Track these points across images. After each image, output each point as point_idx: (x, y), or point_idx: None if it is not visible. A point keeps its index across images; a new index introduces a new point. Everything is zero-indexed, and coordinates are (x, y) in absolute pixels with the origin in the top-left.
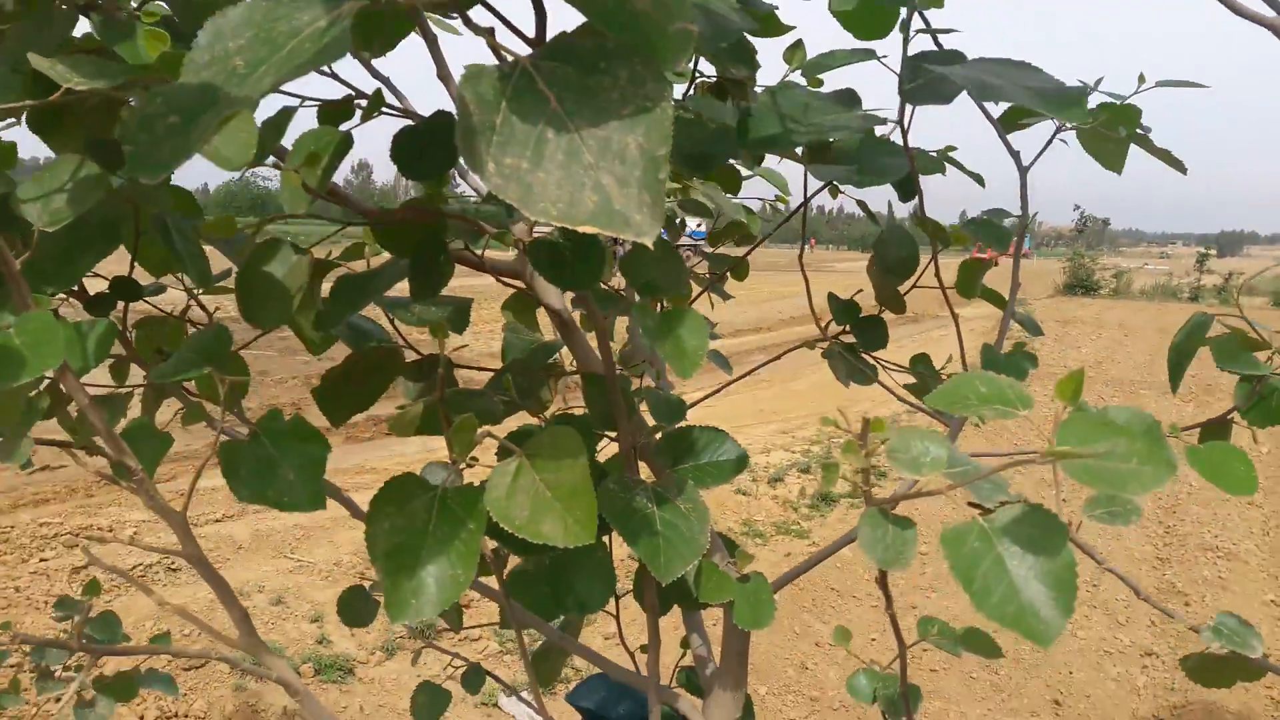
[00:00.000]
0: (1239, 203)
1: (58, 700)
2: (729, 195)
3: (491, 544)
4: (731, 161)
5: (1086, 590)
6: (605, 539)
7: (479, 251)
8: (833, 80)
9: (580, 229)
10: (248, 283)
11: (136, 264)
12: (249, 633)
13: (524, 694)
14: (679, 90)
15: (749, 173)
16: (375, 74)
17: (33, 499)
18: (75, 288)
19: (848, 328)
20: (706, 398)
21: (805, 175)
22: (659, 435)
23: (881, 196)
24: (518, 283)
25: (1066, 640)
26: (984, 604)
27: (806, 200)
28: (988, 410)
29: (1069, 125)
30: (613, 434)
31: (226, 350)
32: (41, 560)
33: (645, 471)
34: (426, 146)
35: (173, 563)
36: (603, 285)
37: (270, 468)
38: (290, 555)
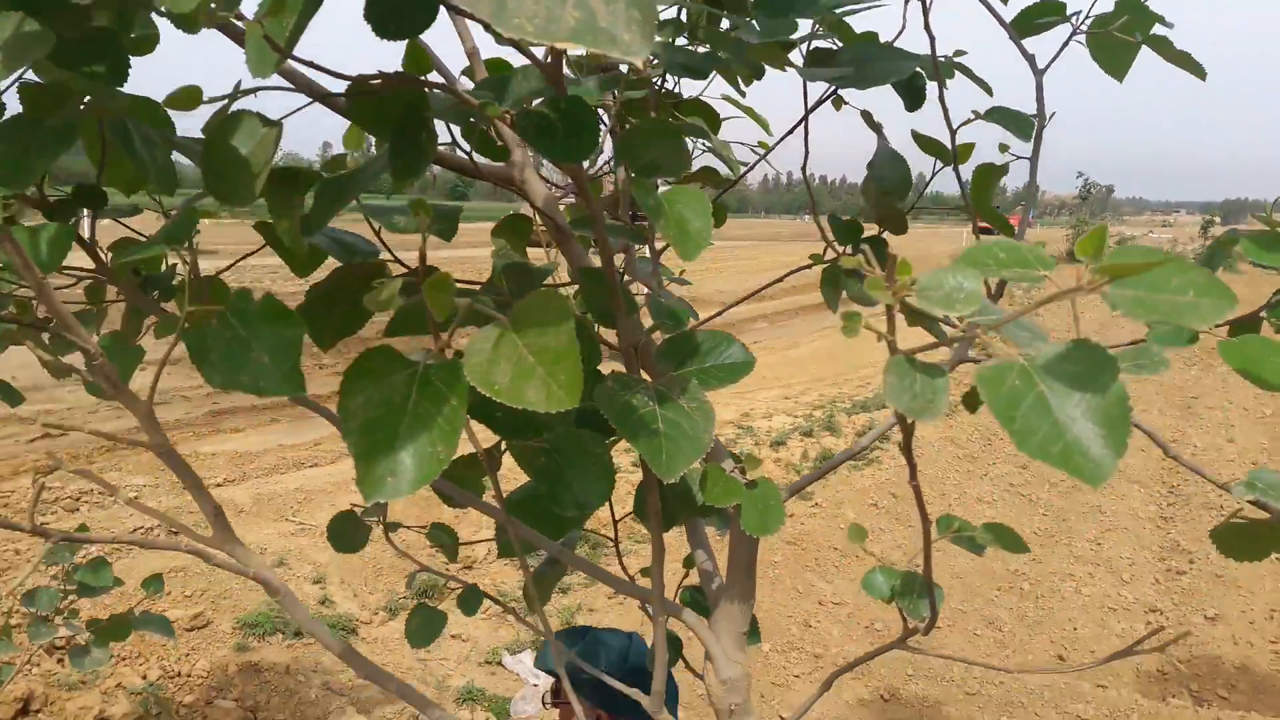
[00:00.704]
0: (1243, 172)
1: (52, 646)
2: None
3: (485, 442)
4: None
5: (1091, 548)
6: (605, 440)
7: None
8: None
9: (560, 46)
10: (212, 157)
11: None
12: (223, 529)
13: (524, 654)
14: None
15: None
16: None
17: (35, 465)
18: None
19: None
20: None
21: (805, 89)
22: (660, 340)
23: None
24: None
25: (1070, 597)
26: (1026, 444)
27: (807, 114)
28: (1008, 273)
29: (1084, 29)
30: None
31: (188, 232)
32: (42, 522)
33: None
34: None
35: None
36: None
37: (242, 350)
38: (291, 518)
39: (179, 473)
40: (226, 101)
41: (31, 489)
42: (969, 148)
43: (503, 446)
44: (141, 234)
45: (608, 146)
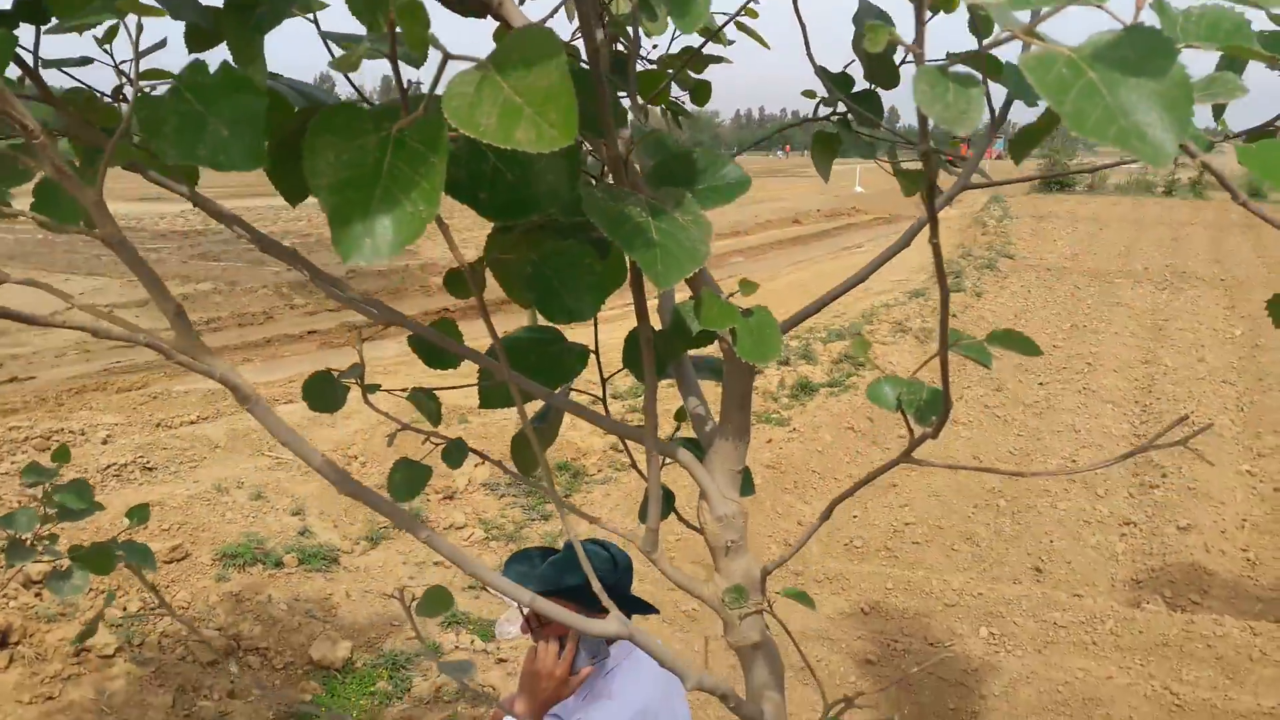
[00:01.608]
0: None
1: (29, 580)
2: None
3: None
4: None
5: (1066, 465)
6: (593, 251)
7: None
8: None
9: None
10: None
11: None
12: (185, 330)
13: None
14: None
15: None
16: None
17: (2, 408)
18: None
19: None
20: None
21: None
22: (651, 158)
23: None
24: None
25: (1046, 512)
26: (1081, 125)
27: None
28: None
29: None
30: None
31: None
32: (13, 462)
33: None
34: None
35: (148, 461)
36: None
37: (198, 124)
38: (268, 453)
39: (134, 267)
40: None
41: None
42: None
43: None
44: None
45: None
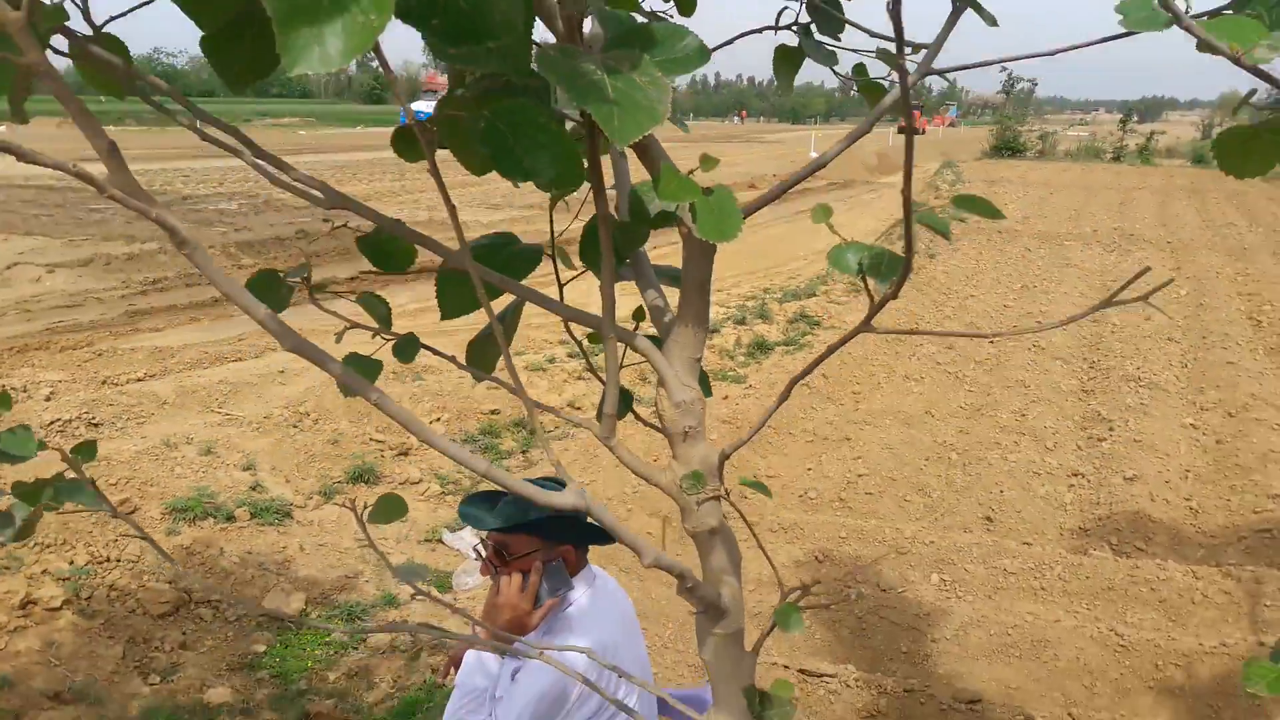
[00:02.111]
0: (1159, 69)
1: None
2: None
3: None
4: None
5: (1015, 419)
6: (551, 116)
7: None
8: None
9: None
10: None
11: None
12: (119, 168)
13: (464, 531)
14: None
15: None
16: None
17: None
18: None
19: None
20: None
21: None
22: (608, 31)
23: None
24: None
25: (997, 464)
26: None
27: None
28: None
29: None
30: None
31: None
32: None
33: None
34: None
35: (93, 417)
36: None
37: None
38: (218, 410)
39: (63, 99)
40: None
41: None
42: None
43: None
44: None
45: None
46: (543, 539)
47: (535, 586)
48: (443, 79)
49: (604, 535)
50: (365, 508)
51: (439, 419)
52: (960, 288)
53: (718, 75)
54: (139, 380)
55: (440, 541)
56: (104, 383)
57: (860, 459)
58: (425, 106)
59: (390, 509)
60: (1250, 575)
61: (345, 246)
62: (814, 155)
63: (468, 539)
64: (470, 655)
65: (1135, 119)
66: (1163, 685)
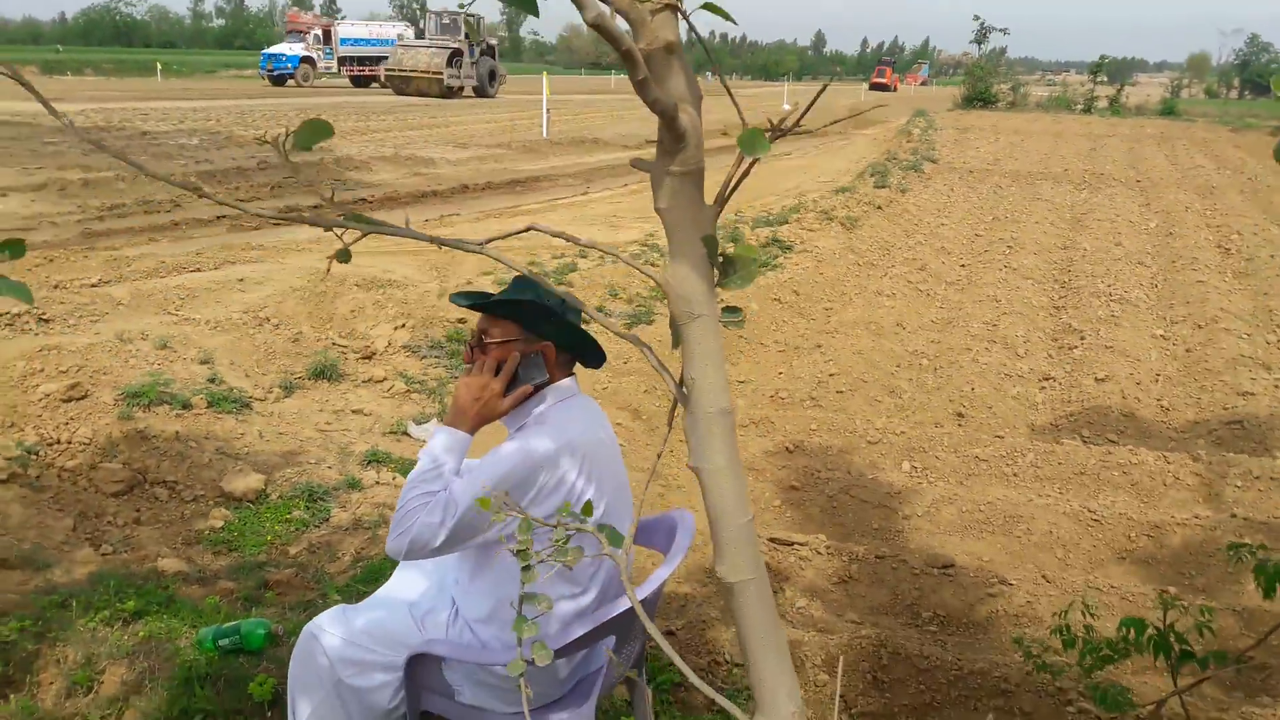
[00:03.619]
0: (1128, 31)
1: None
2: None
3: None
4: None
5: (987, 329)
6: None
7: None
8: None
9: None
10: None
11: None
12: None
13: (429, 423)
14: None
15: None
16: None
17: None
18: None
19: None
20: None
21: None
22: None
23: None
24: None
25: (968, 366)
26: None
27: None
28: None
29: None
30: None
31: None
32: None
33: None
34: None
35: (44, 313)
36: None
37: None
38: (175, 312)
39: None
40: None
41: None
42: None
43: None
44: None
45: None
46: (523, 328)
47: (510, 370)
48: (306, 17)
49: (589, 351)
50: (285, 134)
51: (404, 325)
52: (930, 219)
53: (689, 32)
54: (93, 285)
55: (406, 434)
56: (56, 286)
57: (831, 362)
58: (289, 49)
59: (315, 131)
60: (1221, 460)
61: (306, 178)
62: (786, 107)
63: (431, 429)
64: (444, 434)
65: (1105, 79)
66: (1135, 555)
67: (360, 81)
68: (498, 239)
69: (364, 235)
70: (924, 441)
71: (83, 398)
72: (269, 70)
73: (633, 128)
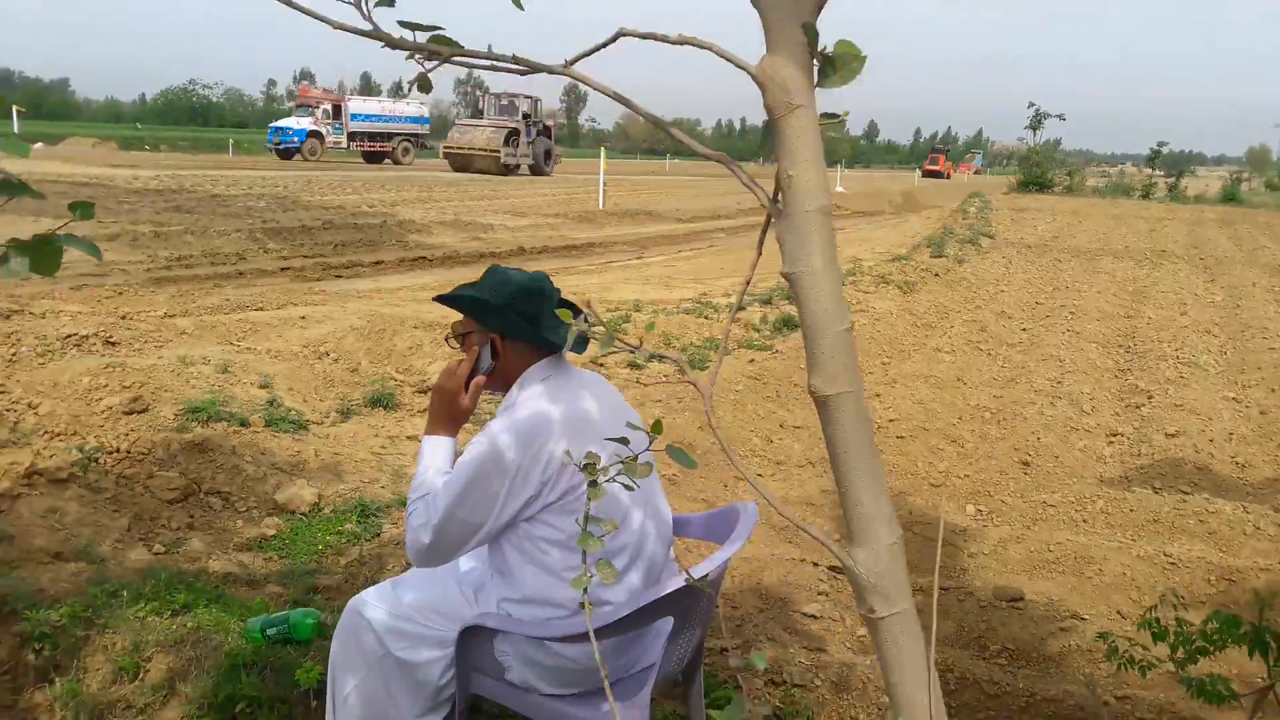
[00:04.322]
0: (1186, 125)
1: None
2: None
3: None
4: None
5: (1052, 384)
6: None
7: None
8: None
9: None
10: None
11: None
12: None
13: None
14: None
15: None
16: None
17: None
18: None
19: None
20: None
21: None
22: None
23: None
24: None
25: (1034, 419)
26: None
27: None
28: None
29: None
30: None
31: None
32: None
33: None
34: None
35: (111, 336)
36: None
37: None
38: (237, 342)
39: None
40: None
41: None
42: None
43: None
44: None
45: None
46: (476, 320)
47: (468, 367)
48: (315, 91)
49: (548, 335)
50: None
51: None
52: (989, 287)
53: (743, 120)
54: (160, 316)
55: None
56: (123, 316)
57: (890, 410)
58: (297, 123)
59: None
60: None
61: (369, 238)
62: (840, 189)
63: None
64: (425, 443)
65: (1162, 172)
66: (1215, 599)
67: (372, 158)
68: (583, 55)
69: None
70: (989, 486)
71: (144, 411)
72: (275, 144)
73: (689, 204)
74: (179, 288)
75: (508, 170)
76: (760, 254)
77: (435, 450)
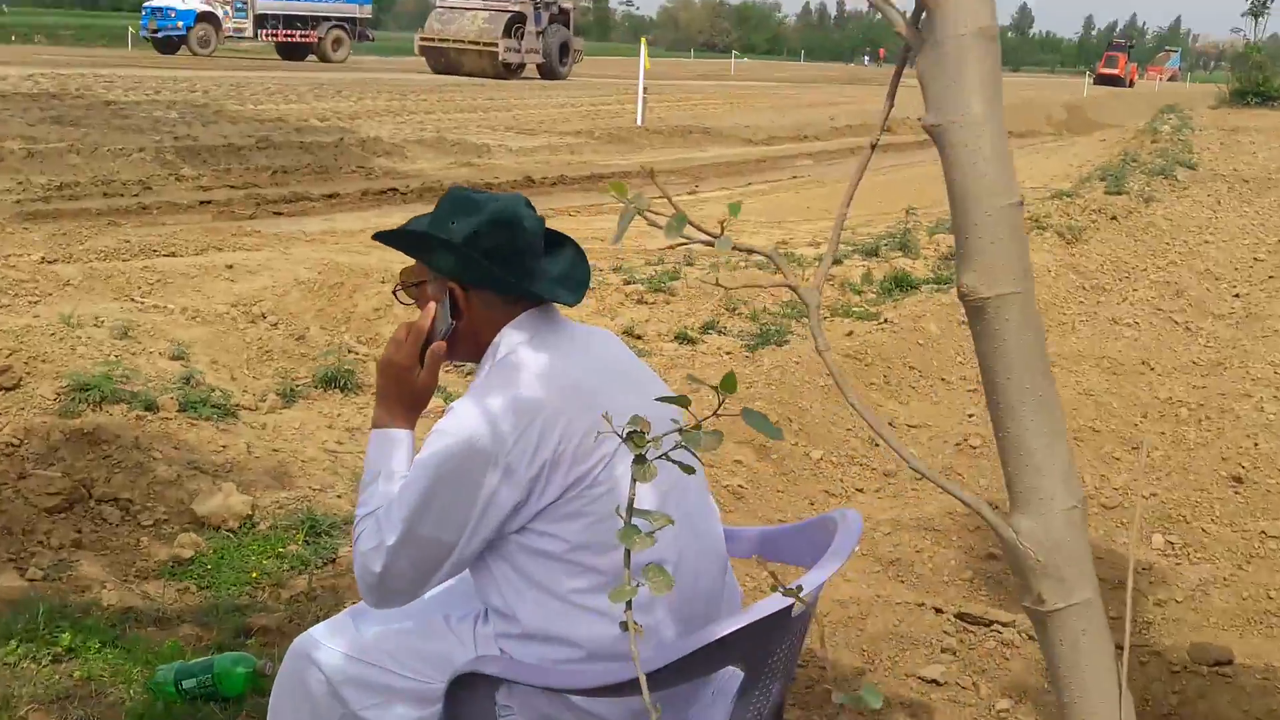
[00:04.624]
0: None
1: None
2: None
3: None
4: None
5: (1274, 371)
6: None
7: None
8: None
9: None
10: None
11: None
12: None
13: None
14: None
15: None
16: None
17: None
18: None
19: None
20: None
21: None
22: None
23: None
24: None
25: (1248, 415)
26: None
27: None
28: None
29: None
30: None
31: None
32: None
33: None
34: None
35: None
36: None
37: None
38: (139, 299)
39: None
40: None
41: None
42: None
43: None
44: None
45: None
46: (429, 266)
47: (418, 334)
48: None
49: (525, 282)
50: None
51: None
52: (1189, 237)
53: (840, 5)
54: (37, 261)
55: None
56: None
57: None
58: (182, 2)
59: None
60: None
61: (320, 163)
62: None
63: None
64: (373, 439)
65: None
66: None
67: (290, 51)
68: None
69: None
70: (1184, 510)
71: (13, 387)
72: (152, 31)
73: (762, 119)
74: (60, 225)
75: (509, 71)
76: (890, 107)
77: (386, 447)
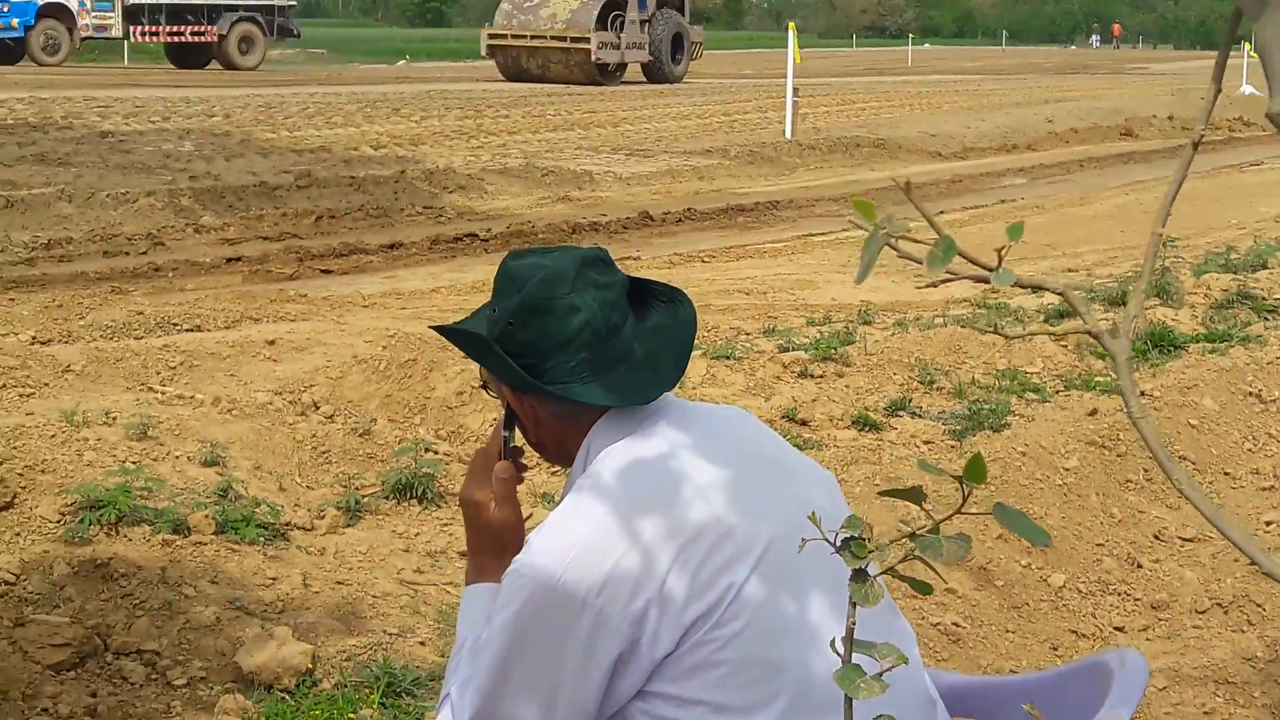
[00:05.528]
0: None
1: None
2: None
3: None
4: None
5: None
6: None
7: None
8: None
9: None
10: None
11: None
12: None
13: None
14: None
15: None
16: None
17: None
18: None
19: None
20: None
21: None
22: None
23: None
24: None
25: None
26: None
27: None
28: None
29: None
30: None
31: None
32: None
33: None
34: None
35: None
36: None
37: None
38: (157, 388)
39: None
40: None
41: None
42: None
43: None
44: None
45: None
46: (494, 376)
47: (485, 458)
48: None
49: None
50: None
51: None
52: None
53: None
54: (25, 343)
55: None
56: None
57: None
58: None
59: None
60: None
61: (377, 203)
62: (1247, 90)
63: None
64: (465, 597)
65: None
66: None
67: (181, 56)
68: None
69: None
70: None
71: (5, 507)
72: None
73: (948, 123)
74: (52, 294)
75: (604, 74)
76: (1217, 91)
77: (475, 607)
